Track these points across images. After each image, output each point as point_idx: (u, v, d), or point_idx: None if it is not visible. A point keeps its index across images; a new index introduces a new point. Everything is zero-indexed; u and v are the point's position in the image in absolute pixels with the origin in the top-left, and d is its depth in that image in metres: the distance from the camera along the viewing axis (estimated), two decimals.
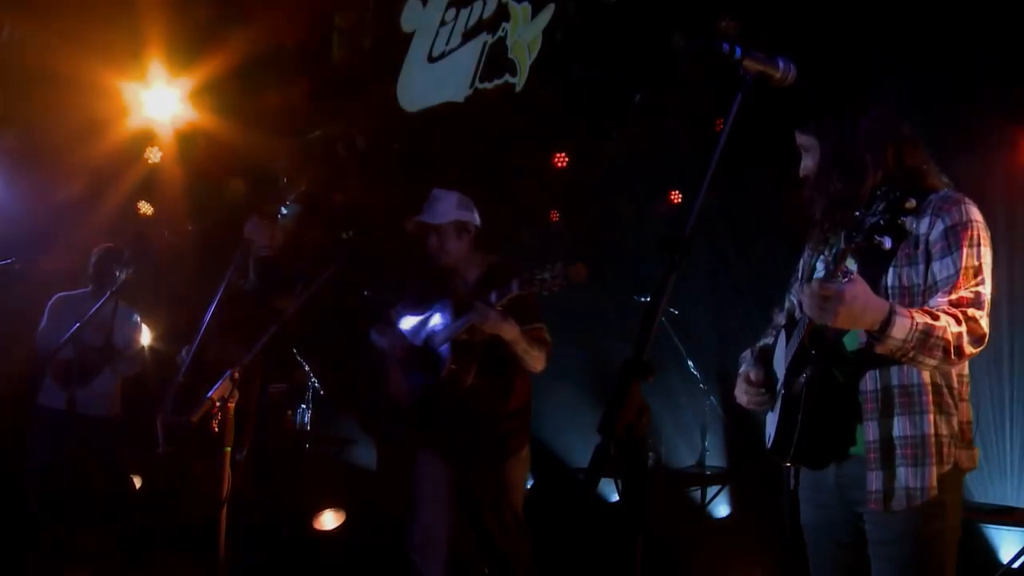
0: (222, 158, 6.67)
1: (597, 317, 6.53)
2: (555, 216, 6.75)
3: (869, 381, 2.14)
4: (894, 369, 2.11)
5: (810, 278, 2.30)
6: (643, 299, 5.63)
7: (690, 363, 5.75)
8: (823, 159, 2.25)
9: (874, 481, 2.10)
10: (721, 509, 5.74)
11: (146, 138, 6.75)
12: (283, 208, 3.98)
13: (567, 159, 6.14)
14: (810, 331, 2.14)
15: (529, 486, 6.74)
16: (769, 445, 2.32)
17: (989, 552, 4.10)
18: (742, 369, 2.50)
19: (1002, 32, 3.93)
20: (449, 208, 3.48)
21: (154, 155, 6.84)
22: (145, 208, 7.19)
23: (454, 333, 3.23)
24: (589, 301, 6.59)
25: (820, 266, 2.34)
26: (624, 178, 6.11)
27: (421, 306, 3.54)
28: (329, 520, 5.40)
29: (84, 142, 6.28)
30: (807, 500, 2.34)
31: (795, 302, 2.43)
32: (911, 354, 1.98)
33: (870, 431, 2.12)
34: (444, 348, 3.26)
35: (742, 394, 2.46)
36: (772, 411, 2.35)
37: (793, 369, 2.21)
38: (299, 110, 6.76)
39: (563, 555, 4.58)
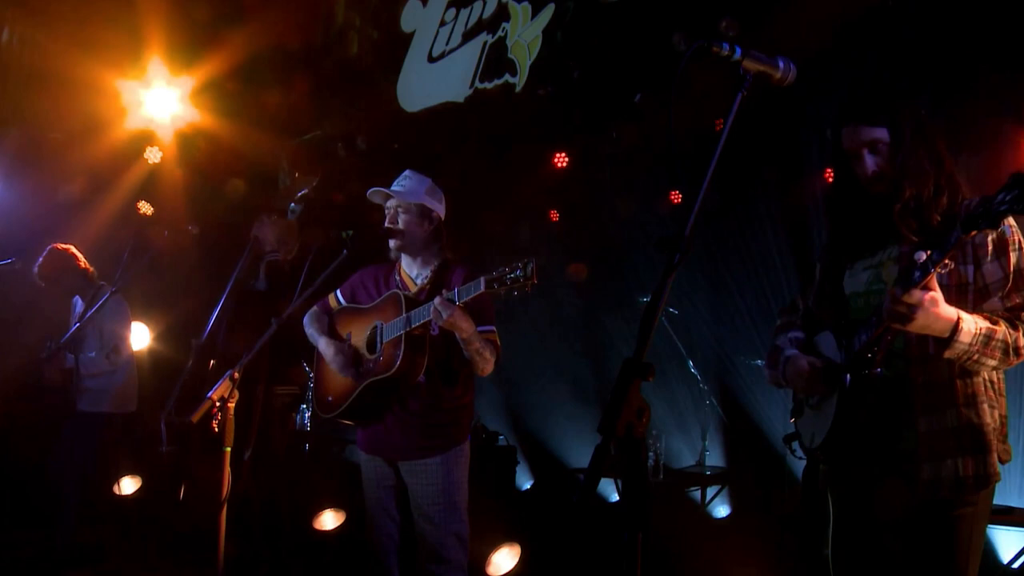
0: (222, 158, 6.67)
1: (597, 317, 6.54)
2: (555, 216, 6.76)
3: (923, 375, 2.22)
4: (945, 365, 2.19)
5: (871, 281, 2.36)
6: (643, 299, 5.64)
7: (690, 363, 5.76)
8: (902, 154, 2.26)
9: (927, 471, 2.18)
10: (721, 509, 5.74)
11: (146, 138, 6.76)
12: (292, 205, 3.96)
13: (567, 159, 6.14)
14: (877, 335, 2.20)
15: (529, 486, 6.76)
16: (813, 444, 2.39)
17: (989, 552, 4.10)
18: (789, 353, 2.50)
19: (1002, 29, 3.93)
20: (419, 190, 3.38)
21: (154, 155, 6.84)
22: (145, 208, 7.20)
23: (410, 327, 3.14)
24: (589, 301, 6.61)
25: (871, 272, 2.38)
26: (624, 178, 6.12)
27: (367, 296, 3.46)
28: (329, 520, 5.40)
29: (84, 142, 6.28)
30: (841, 499, 2.41)
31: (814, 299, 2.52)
32: (975, 357, 2.12)
33: (923, 423, 2.20)
34: (397, 342, 3.17)
35: (802, 379, 2.42)
36: (816, 410, 2.40)
37: (852, 367, 2.26)
38: (299, 110, 6.76)
39: (563, 555, 4.58)
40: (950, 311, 2.08)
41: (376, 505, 3.35)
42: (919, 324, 2.07)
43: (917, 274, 2.02)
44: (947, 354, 2.11)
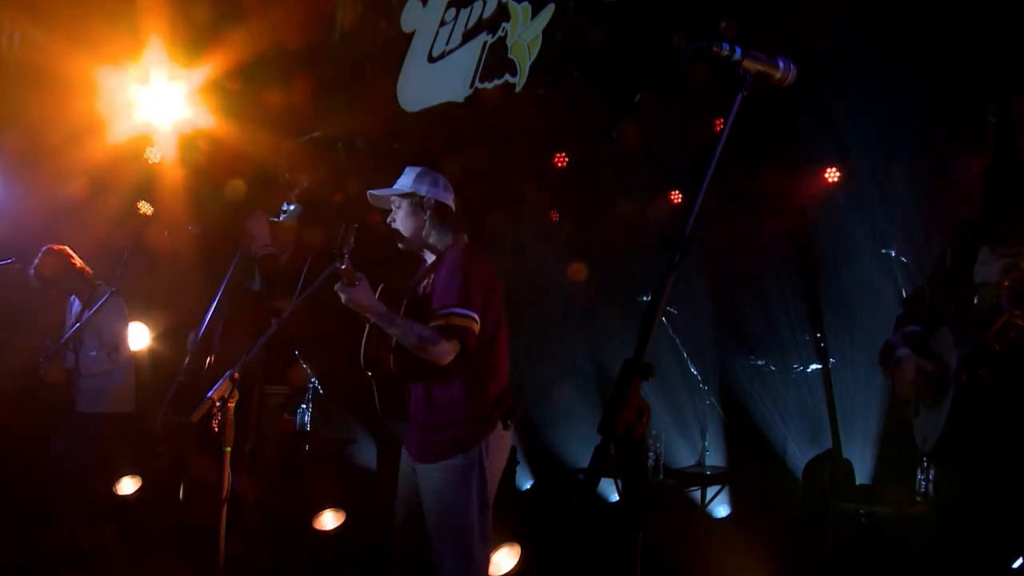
0: (222, 158, 6.67)
1: (597, 317, 6.54)
2: (555, 216, 6.75)
3: None
4: None
5: (1006, 271, 2.12)
6: (643, 299, 5.64)
7: (690, 363, 5.76)
8: None
9: None
10: (721, 509, 5.74)
11: (146, 138, 6.76)
12: (284, 206, 3.94)
13: (567, 159, 6.14)
14: (999, 328, 2.01)
15: (529, 486, 6.76)
16: (926, 447, 2.21)
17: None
18: (901, 354, 2.31)
19: (1003, 31, 3.92)
20: (407, 181, 3.22)
21: (154, 155, 6.84)
22: (145, 208, 7.20)
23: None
24: (589, 301, 6.60)
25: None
26: (624, 178, 6.11)
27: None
28: (329, 520, 5.40)
29: (84, 142, 6.27)
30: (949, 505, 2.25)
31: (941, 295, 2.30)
32: None
33: None
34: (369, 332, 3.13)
35: (909, 386, 2.26)
36: (931, 410, 2.22)
37: (972, 366, 2.09)
38: (299, 110, 6.76)
39: (563, 555, 4.58)
40: None
41: (401, 501, 3.25)
42: None
43: None
44: None
